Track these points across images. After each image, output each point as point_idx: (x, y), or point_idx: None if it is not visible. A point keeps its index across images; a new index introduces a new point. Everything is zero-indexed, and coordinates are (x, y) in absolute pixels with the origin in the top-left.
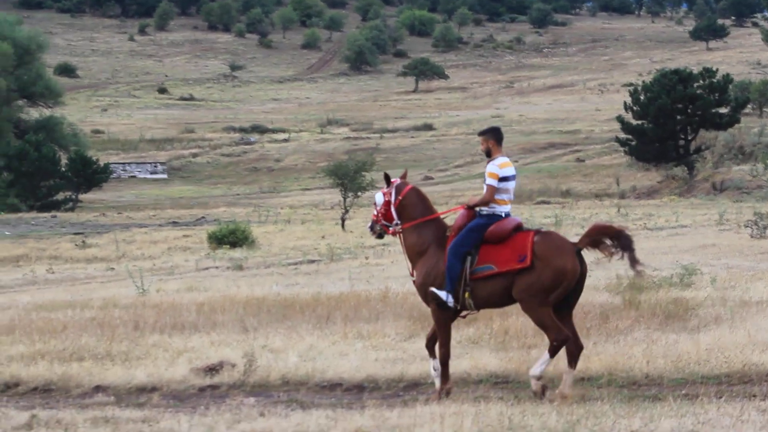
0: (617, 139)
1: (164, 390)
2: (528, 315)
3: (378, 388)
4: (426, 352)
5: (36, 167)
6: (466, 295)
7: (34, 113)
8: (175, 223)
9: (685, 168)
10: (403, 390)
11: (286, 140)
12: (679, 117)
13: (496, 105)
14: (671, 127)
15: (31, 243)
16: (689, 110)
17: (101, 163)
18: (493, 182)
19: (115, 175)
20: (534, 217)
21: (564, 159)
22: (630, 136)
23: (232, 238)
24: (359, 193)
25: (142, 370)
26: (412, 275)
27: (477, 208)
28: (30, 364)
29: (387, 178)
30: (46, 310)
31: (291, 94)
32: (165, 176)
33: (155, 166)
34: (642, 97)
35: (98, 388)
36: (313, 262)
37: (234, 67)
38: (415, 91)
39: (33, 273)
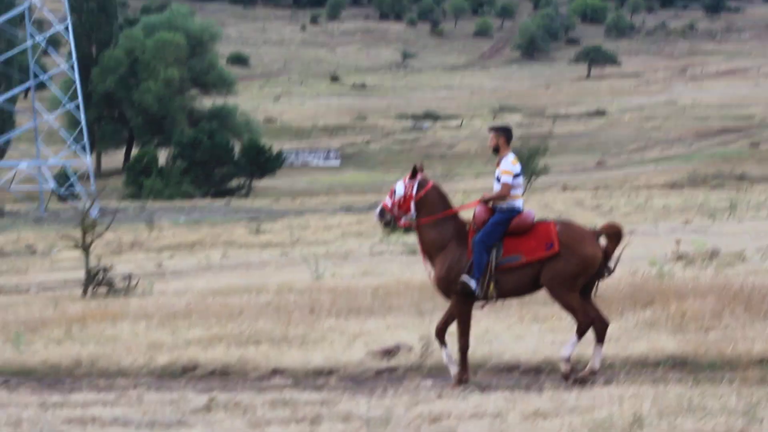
0: None
1: (341, 373)
2: (556, 300)
3: (555, 371)
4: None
5: (209, 155)
6: (491, 286)
7: (207, 102)
8: (348, 209)
9: None
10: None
11: (458, 127)
12: None
13: (669, 91)
14: None
15: (205, 229)
16: None
17: (274, 150)
18: (509, 179)
19: (288, 162)
20: (709, 200)
21: (738, 144)
22: None
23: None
24: (533, 179)
25: (319, 354)
26: (426, 268)
27: (494, 204)
28: (207, 347)
29: (414, 171)
30: (222, 294)
31: (463, 81)
32: (338, 163)
33: (328, 153)
34: None
35: (275, 371)
36: None
37: (406, 56)
38: (587, 77)
39: (208, 259)
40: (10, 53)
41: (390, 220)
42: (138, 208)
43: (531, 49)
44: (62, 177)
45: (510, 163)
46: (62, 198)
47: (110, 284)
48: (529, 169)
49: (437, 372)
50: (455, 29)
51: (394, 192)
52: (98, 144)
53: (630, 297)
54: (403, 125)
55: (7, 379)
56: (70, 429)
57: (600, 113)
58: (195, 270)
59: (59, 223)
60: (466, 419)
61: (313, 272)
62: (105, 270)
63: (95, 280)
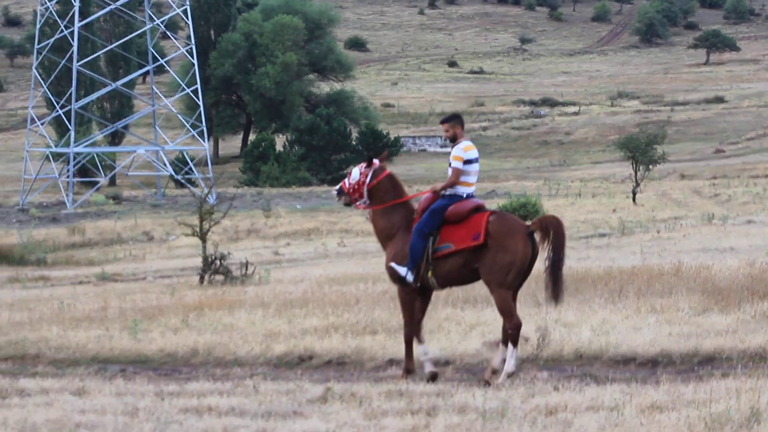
0: None
1: (457, 363)
2: (492, 296)
3: (672, 363)
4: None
5: (327, 141)
6: (429, 273)
7: (324, 87)
8: None
9: None
10: (698, 365)
11: (576, 113)
12: None
13: None
14: None
15: (322, 216)
16: None
17: (392, 136)
18: (459, 165)
19: (405, 148)
20: None
21: None
22: None
23: (523, 211)
24: (651, 167)
25: (435, 344)
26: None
27: (442, 191)
28: (324, 337)
29: (370, 159)
30: (338, 283)
31: (581, 67)
32: None
33: (445, 140)
34: None
35: (391, 362)
36: (604, 235)
37: (524, 40)
38: (706, 63)
39: (324, 246)
40: (128, 37)
41: (348, 201)
42: (255, 194)
43: (649, 34)
44: (180, 162)
45: (461, 150)
46: (180, 184)
47: (227, 272)
48: (647, 156)
49: (553, 363)
50: (574, 13)
51: (351, 176)
52: (216, 129)
53: (748, 288)
54: (520, 111)
55: (124, 368)
56: (186, 418)
57: (718, 100)
58: (311, 258)
59: (176, 210)
60: (582, 412)
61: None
62: (222, 257)
63: (212, 268)
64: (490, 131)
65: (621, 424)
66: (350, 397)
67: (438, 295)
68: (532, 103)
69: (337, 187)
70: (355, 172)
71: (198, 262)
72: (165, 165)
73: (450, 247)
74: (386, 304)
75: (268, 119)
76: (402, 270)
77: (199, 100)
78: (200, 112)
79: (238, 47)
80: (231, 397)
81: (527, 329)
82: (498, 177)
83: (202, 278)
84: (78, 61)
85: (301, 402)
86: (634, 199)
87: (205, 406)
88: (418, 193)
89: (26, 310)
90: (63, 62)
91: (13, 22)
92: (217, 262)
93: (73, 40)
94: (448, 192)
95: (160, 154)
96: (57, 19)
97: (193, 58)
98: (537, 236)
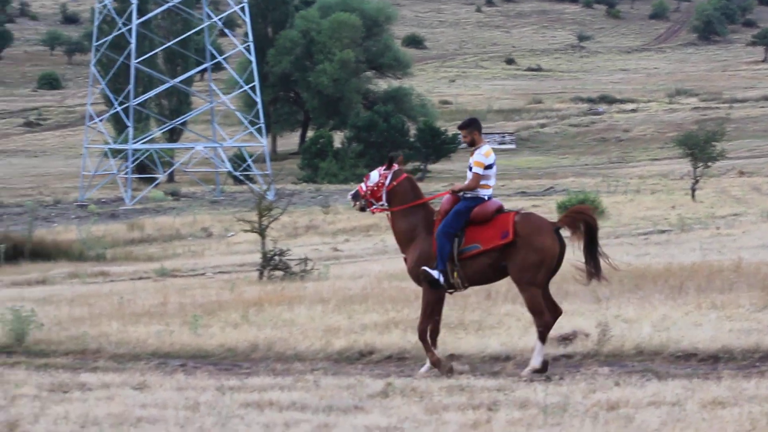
0: None
1: (518, 359)
2: (522, 295)
3: (733, 359)
4: None
5: (385, 138)
6: (455, 274)
7: (382, 84)
8: (523, 193)
9: None
10: (759, 361)
11: (634, 110)
12: None
13: None
14: None
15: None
16: None
17: (449, 133)
18: (480, 170)
19: (463, 145)
20: None
21: None
22: None
23: None
24: (710, 163)
25: (496, 339)
26: (403, 256)
27: (461, 193)
28: (383, 332)
29: (390, 161)
30: (398, 279)
31: (639, 64)
32: (513, 146)
33: (503, 137)
34: None
35: (452, 357)
36: (663, 232)
37: (582, 38)
38: (764, 60)
39: (383, 242)
40: (186, 34)
41: (364, 205)
42: (313, 190)
43: (707, 32)
44: (238, 159)
45: (482, 155)
46: (238, 180)
47: (286, 268)
48: (706, 153)
49: (614, 359)
50: (631, 11)
51: (369, 178)
52: (274, 126)
53: None
54: (578, 108)
55: (185, 363)
56: (247, 413)
57: None
58: (370, 254)
59: (235, 206)
60: (643, 407)
61: None
62: (281, 253)
63: (271, 264)
64: (547, 128)
65: (683, 419)
66: (411, 392)
67: (498, 291)
68: (590, 101)
69: (353, 191)
70: (374, 175)
71: (256, 258)
72: (223, 161)
73: (478, 248)
74: (446, 301)
75: (326, 116)
76: (435, 273)
77: (256, 97)
78: (258, 109)
79: (296, 44)
80: (292, 391)
81: (588, 325)
82: (556, 174)
83: (261, 274)
84: (136, 59)
85: (361, 397)
86: (693, 196)
87: (266, 400)
88: (438, 194)
89: (86, 305)
90: (121, 59)
91: (71, 19)
92: (276, 258)
93: (131, 38)
94: (470, 194)
95: (219, 150)
96: (115, 16)
97: (250, 55)
98: (565, 232)
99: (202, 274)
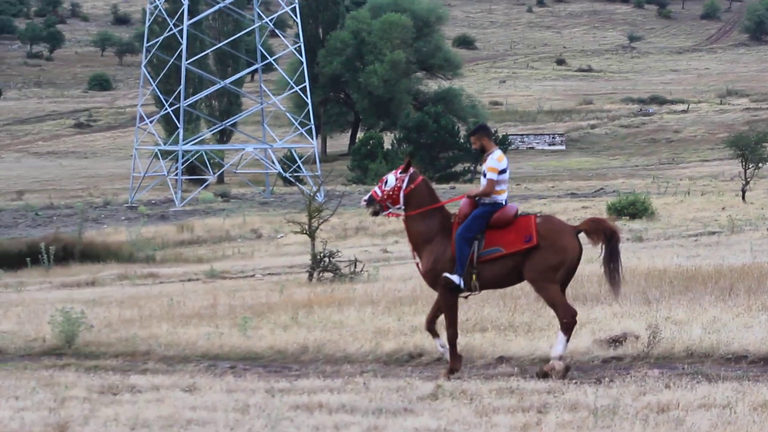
0: None
1: (568, 361)
2: (539, 294)
3: None
4: None
5: (435, 139)
6: (473, 277)
7: (432, 85)
8: (573, 195)
9: None
10: None
11: (684, 111)
12: None
13: None
14: None
15: None
16: None
17: (499, 134)
18: (494, 176)
19: (513, 146)
20: None
21: None
22: None
23: (632, 209)
24: (760, 165)
25: (545, 342)
26: (415, 260)
27: (478, 198)
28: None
29: (408, 164)
30: None
31: (690, 65)
32: (563, 148)
33: (553, 138)
34: None
35: (501, 359)
36: (713, 233)
37: (632, 38)
38: None
39: None
40: (237, 35)
41: (378, 210)
42: (363, 192)
43: (759, 32)
44: (288, 160)
45: (496, 161)
46: (288, 182)
47: (336, 270)
48: (757, 154)
49: (664, 361)
50: (682, 11)
51: (386, 182)
52: (324, 127)
53: None
54: (629, 109)
55: (234, 365)
56: (297, 415)
57: None
58: None
59: (285, 207)
60: (694, 410)
61: None
62: (331, 255)
63: (321, 266)
64: (598, 129)
65: (734, 422)
66: (461, 395)
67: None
68: (641, 101)
69: (367, 196)
70: (391, 179)
71: (306, 259)
72: (273, 163)
73: (500, 251)
74: (495, 302)
75: (376, 117)
76: (455, 279)
77: (307, 98)
78: (308, 110)
79: (347, 45)
80: (341, 394)
81: (638, 327)
82: (606, 175)
83: (310, 276)
84: (187, 60)
85: (411, 399)
86: (743, 197)
87: (316, 402)
88: (454, 198)
89: (136, 307)
90: (172, 60)
91: (121, 20)
92: (326, 259)
93: (181, 39)
94: (488, 200)
95: (269, 152)
96: (166, 17)
97: (301, 56)
98: (585, 236)
99: (252, 276)
